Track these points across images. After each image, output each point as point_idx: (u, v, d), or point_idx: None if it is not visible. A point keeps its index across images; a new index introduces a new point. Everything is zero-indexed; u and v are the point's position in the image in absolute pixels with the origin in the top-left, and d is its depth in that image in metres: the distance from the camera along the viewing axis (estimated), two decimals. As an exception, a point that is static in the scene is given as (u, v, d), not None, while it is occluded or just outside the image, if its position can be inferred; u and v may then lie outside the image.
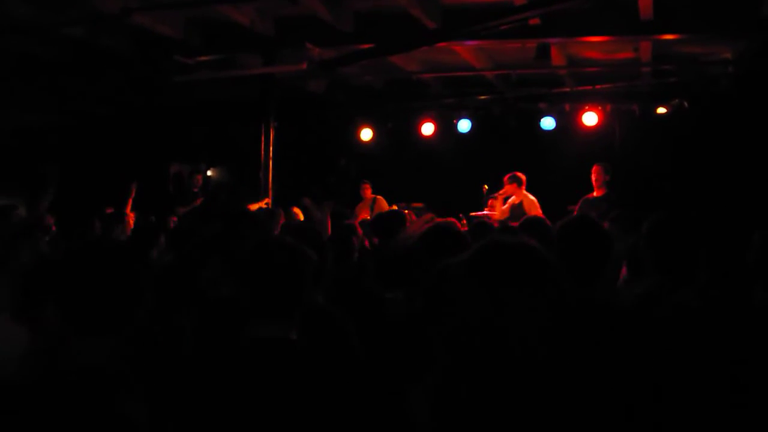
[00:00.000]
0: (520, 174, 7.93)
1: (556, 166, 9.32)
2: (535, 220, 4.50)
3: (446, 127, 10.25)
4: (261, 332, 2.00)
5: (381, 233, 4.48)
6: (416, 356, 2.12)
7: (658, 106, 9.46)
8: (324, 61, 6.90)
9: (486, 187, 8.43)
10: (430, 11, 6.53)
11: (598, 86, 9.25)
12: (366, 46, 6.84)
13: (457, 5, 6.56)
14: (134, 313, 1.81)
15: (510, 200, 7.97)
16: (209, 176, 11.40)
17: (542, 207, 7.67)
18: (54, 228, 5.77)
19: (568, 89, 9.53)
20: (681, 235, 2.67)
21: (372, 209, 9.05)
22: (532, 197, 7.87)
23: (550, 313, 1.31)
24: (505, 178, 7.96)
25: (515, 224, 4.87)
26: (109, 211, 6.12)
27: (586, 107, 9.62)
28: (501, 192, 8.02)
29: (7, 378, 1.91)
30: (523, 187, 7.92)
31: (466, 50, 7.90)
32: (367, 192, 9.46)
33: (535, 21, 6.39)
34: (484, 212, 7.98)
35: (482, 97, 9.94)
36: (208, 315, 2.76)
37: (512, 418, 1.31)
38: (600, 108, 9.61)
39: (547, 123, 9.88)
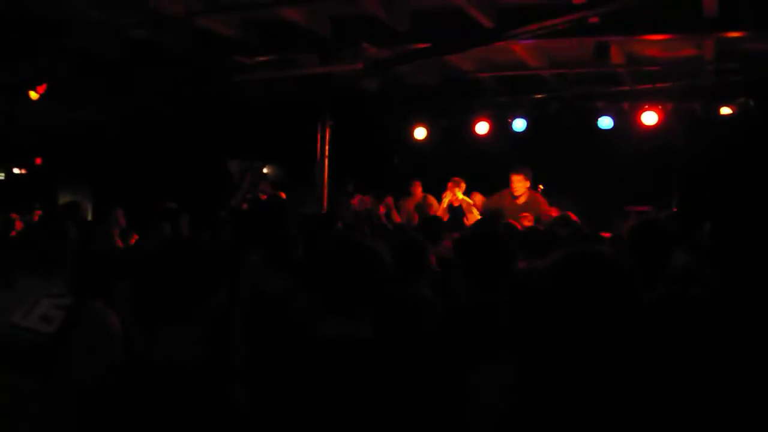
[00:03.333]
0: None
1: (613, 166, 9.15)
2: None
3: (501, 126, 10.16)
4: (334, 331, 2.03)
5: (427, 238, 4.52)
6: (481, 345, 2.14)
7: (722, 106, 9.17)
8: (380, 61, 6.96)
9: (541, 186, 8.34)
10: (486, 10, 6.50)
11: (658, 84, 9.03)
12: (422, 45, 6.86)
13: (513, 3, 6.51)
14: (209, 304, 1.88)
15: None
16: (265, 173, 11.60)
17: (598, 207, 7.55)
18: (123, 222, 6.01)
19: (627, 88, 9.33)
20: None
21: (421, 208, 9.06)
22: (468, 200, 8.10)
23: (626, 316, 1.33)
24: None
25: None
26: (170, 205, 6.34)
27: (646, 106, 9.38)
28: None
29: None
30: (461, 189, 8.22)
31: (522, 49, 7.83)
32: (418, 190, 9.46)
33: (594, 19, 6.29)
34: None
35: (538, 96, 9.82)
36: (266, 310, 2.82)
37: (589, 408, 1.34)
38: (660, 107, 9.37)
39: (605, 122, 9.69)
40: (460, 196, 8.27)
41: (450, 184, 8.29)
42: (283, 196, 7.06)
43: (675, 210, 5.07)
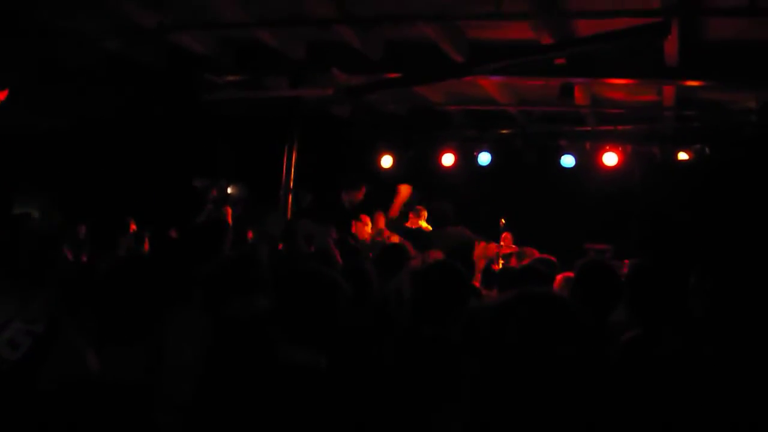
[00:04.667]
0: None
1: (574, 203, 9.34)
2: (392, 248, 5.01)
3: (466, 159, 10.31)
4: (292, 359, 2.04)
5: (384, 269, 4.49)
6: (443, 383, 2.15)
7: (679, 151, 9.47)
8: (351, 88, 7.02)
9: (503, 221, 8.46)
10: (458, 45, 6.64)
11: (619, 127, 9.30)
12: (393, 75, 6.96)
13: (484, 40, 6.67)
14: (157, 326, 1.87)
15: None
16: (229, 193, 11.52)
17: (558, 244, 7.70)
18: (82, 237, 5.87)
19: (589, 128, 9.58)
20: (659, 283, 2.73)
21: (380, 236, 9.06)
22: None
23: (576, 358, 1.36)
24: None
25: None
26: (133, 227, 6.23)
27: (607, 147, 9.65)
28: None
29: None
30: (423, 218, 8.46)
31: (490, 84, 8.00)
32: (380, 221, 9.47)
33: (560, 60, 6.48)
34: (500, 245, 8.02)
35: (504, 131, 10.02)
36: (226, 334, 2.79)
37: None
38: (620, 149, 9.64)
39: (567, 160, 9.92)
40: (424, 224, 8.34)
41: (411, 214, 8.37)
42: (229, 211, 7.00)
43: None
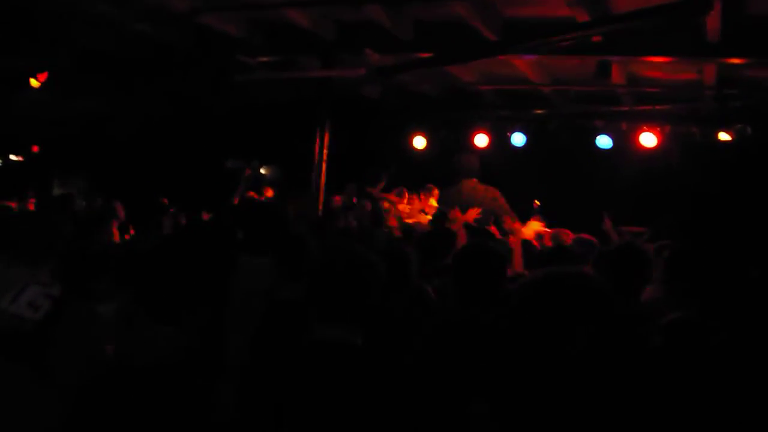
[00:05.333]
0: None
1: (610, 185, 9.16)
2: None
3: (500, 140, 10.18)
4: (327, 335, 2.06)
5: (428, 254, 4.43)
6: (480, 369, 2.14)
7: (720, 131, 9.20)
8: (382, 68, 6.96)
9: (537, 202, 8.35)
10: (491, 23, 6.51)
11: (657, 107, 9.06)
12: (424, 54, 6.87)
13: (518, 18, 6.53)
14: (201, 305, 1.88)
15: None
16: (262, 173, 11.60)
17: (593, 226, 7.57)
18: (123, 216, 5.99)
19: (626, 108, 9.36)
20: (704, 266, 2.69)
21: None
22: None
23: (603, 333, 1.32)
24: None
25: None
26: (171, 209, 6.32)
27: (644, 127, 9.42)
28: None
29: None
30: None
31: (524, 64, 7.85)
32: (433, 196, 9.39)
33: (597, 38, 6.31)
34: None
35: (538, 111, 9.85)
36: (272, 315, 2.81)
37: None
38: (659, 129, 9.41)
39: (603, 141, 9.72)
40: (434, 203, 8.31)
41: (423, 194, 8.38)
42: (270, 194, 7.05)
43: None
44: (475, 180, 9.45)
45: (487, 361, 1.98)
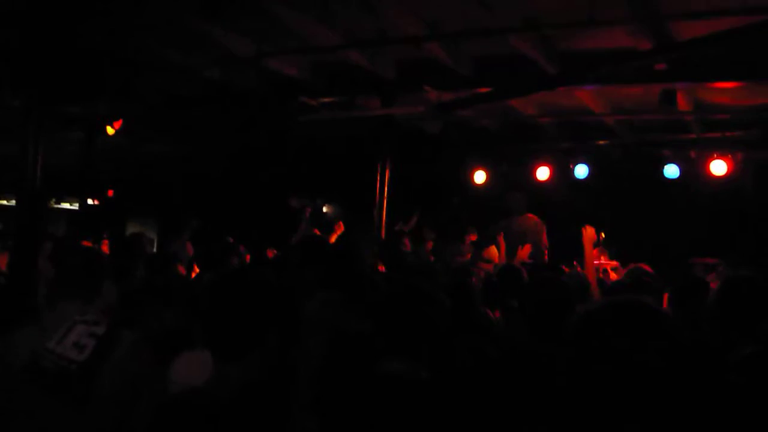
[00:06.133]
0: None
1: (680, 216, 8.88)
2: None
3: (562, 172, 10.05)
4: (392, 369, 2.10)
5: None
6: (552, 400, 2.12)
7: (795, 156, 8.84)
8: (442, 104, 7.01)
9: (603, 234, 8.16)
10: (550, 55, 6.50)
11: (727, 133, 8.78)
12: (484, 89, 6.89)
13: (578, 50, 6.49)
14: (267, 342, 1.90)
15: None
16: (325, 212, 11.77)
17: (662, 258, 7.33)
18: (191, 252, 6.16)
19: (693, 136, 9.11)
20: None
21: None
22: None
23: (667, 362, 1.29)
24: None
25: None
26: (242, 248, 6.46)
27: (715, 155, 9.13)
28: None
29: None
30: None
31: (585, 94, 7.77)
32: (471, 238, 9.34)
33: (660, 66, 6.20)
34: (600, 262, 7.72)
35: (601, 142, 9.69)
36: (337, 347, 2.85)
37: None
38: (730, 156, 9.09)
39: (671, 170, 9.46)
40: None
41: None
42: (342, 228, 7.13)
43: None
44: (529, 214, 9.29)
45: (558, 392, 1.95)
